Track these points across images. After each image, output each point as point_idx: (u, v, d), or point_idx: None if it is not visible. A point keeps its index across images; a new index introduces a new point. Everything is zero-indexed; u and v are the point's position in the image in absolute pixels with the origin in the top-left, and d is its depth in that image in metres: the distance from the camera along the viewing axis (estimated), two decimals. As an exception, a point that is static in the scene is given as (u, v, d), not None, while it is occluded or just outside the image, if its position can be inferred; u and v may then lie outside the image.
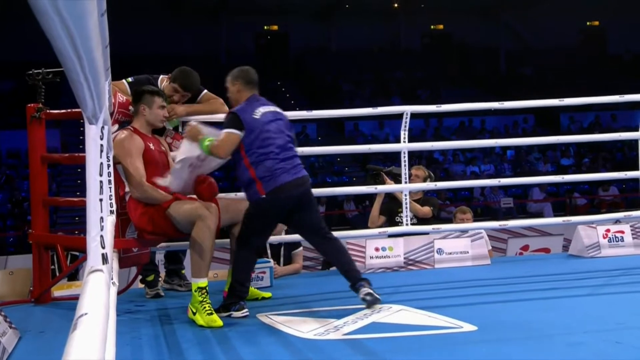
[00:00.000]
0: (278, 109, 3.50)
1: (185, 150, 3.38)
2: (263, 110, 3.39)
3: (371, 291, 3.25)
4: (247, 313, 3.24)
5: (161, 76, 3.93)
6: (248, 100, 3.44)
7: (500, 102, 4.67)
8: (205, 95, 3.96)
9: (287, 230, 4.27)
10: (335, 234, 3.59)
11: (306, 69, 19.81)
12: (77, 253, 5.24)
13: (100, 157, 1.82)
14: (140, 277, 3.95)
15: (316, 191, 3.80)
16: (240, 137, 3.30)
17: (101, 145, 1.82)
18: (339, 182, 14.10)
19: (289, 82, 18.92)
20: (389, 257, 4.46)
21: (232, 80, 3.51)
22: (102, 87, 1.70)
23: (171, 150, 3.83)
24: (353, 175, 14.68)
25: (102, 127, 1.82)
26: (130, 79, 3.83)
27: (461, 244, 4.57)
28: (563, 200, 13.70)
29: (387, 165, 4.95)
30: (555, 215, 12.07)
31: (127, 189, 3.41)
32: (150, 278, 3.92)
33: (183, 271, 4.14)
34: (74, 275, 5.92)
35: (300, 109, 6.14)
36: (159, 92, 3.56)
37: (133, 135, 3.42)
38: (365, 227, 4.95)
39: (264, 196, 3.27)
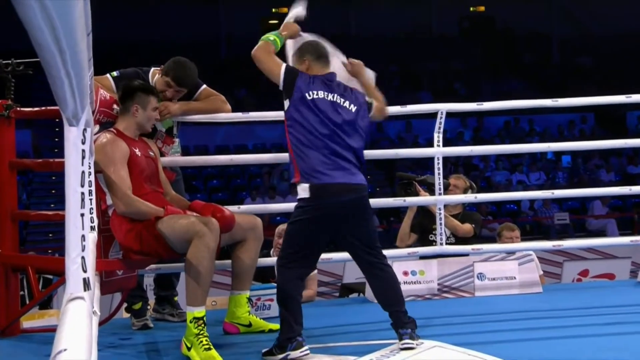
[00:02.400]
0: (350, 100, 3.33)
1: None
2: (324, 94, 3.27)
3: (414, 345, 3.16)
4: (308, 352, 3.11)
5: (152, 69, 3.92)
6: (316, 76, 3.32)
7: (554, 99, 4.64)
8: (204, 91, 3.94)
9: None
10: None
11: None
12: (51, 276, 5.28)
13: (82, 164, 1.84)
14: (125, 304, 3.98)
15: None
16: (279, 70, 3.27)
17: (83, 151, 1.84)
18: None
19: (302, 74, 18.96)
20: (420, 282, 4.45)
21: (299, 58, 3.40)
22: (85, 84, 1.73)
23: (162, 155, 3.86)
24: (377, 185, 14.67)
25: (84, 130, 1.85)
26: (115, 73, 3.81)
27: (507, 268, 4.55)
28: (630, 216, 13.58)
29: (416, 174, 4.94)
30: (621, 234, 11.97)
31: (109, 202, 3.43)
32: (138, 306, 3.95)
33: (176, 298, 4.16)
34: (47, 302, 5.97)
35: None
36: (154, 91, 3.57)
37: (117, 139, 3.43)
38: (392, 246, 4.94)
39: (307, 197, 3.17)
